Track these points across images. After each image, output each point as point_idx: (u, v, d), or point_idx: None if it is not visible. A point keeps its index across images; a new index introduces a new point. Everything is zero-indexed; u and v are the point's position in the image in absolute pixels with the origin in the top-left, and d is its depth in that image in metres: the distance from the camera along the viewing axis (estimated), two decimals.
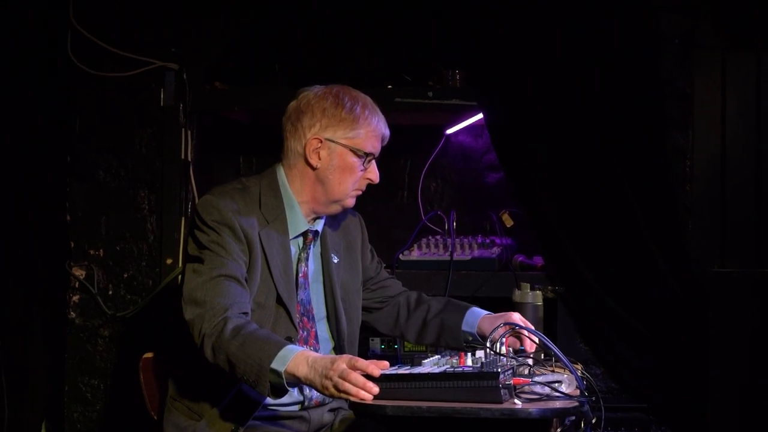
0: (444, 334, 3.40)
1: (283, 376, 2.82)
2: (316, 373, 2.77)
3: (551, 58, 4.00)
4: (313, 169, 3.19)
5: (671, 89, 4.09)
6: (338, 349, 3.29)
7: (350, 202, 3.25)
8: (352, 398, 2.68)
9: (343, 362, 2.73)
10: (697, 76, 4.12)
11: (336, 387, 2.72)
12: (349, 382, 2.69)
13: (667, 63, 4.07)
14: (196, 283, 3.03)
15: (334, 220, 3.36)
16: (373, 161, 3.22)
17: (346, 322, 3.31)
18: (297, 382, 2.84)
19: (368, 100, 3.24)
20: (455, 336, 3.37)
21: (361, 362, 2.72)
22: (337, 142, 3.16)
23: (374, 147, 3.20)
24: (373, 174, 3.23)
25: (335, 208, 3.24)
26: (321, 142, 3.16)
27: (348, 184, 3.20)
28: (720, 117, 4.12)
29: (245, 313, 3.01)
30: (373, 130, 3.19)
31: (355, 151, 3.17)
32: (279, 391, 2.87)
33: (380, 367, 2.71)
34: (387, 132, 3.26)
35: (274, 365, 2.82)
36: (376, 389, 2.67)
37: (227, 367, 2.91)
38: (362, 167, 3.20)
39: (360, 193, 3.26)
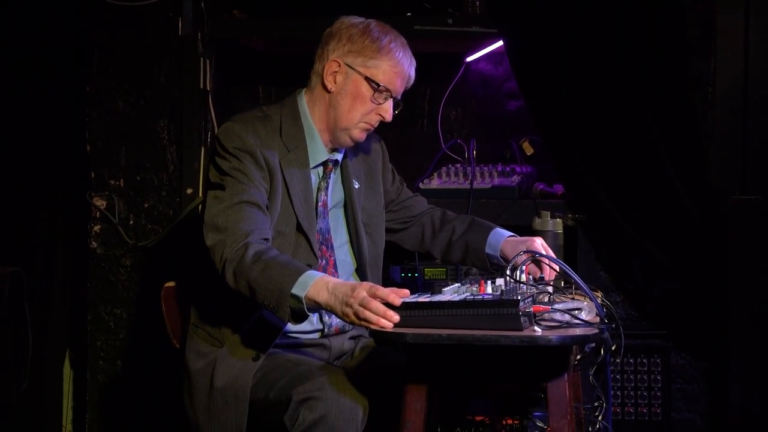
0: (469, 255, 3.41)
1: (304, 301, 2.83)
2: (336, 300, 2.79)
3: None
4: (328, 92, 3.18)
5: (693, 15, 4.05)
6: (360, 272, 3.31)
7: (358, 134, 3.22)
8: (372, 326, 2.70)
9: (363, 290, 2.74)
10: (720, 3, 4.07)
11: (356, 315, 2.74)
12: (370, 310, 2.70)
13: None
14: (218, 209, 3.03)
15: (355, 146, 3.34)
16: (390, 100, 3.20)
17: (368, 245, 3.31)
18: (317, 307, 2.85)
19: (400, 38, 3.21)
20: (480, 258, 3.39)
21: (382, 290, 2.73)
22: (354, 69, 3.15)
23: (392, 84, 3.17)
24: (386, 112, 3.20)
25: (344, 139, 3.22)
26: (339, 65, 3.15)
27: (357, 113, 3.18)
28: (743, 44, 4.07)
29: (266, 239, 3.02)
30: (393, 65, 3.16)
31: (369, 81, 3.15)
32: (299, 317, 2.89)
33: (401, 296, 2.72)
34: (412, 73, 3.22)
35: (294, 290, 2.84)
36: (396, 317, 2.68)
37: (248, 292, 2.93)
38: (375, 100, 3.17)
39: (370, 128, 3.23)
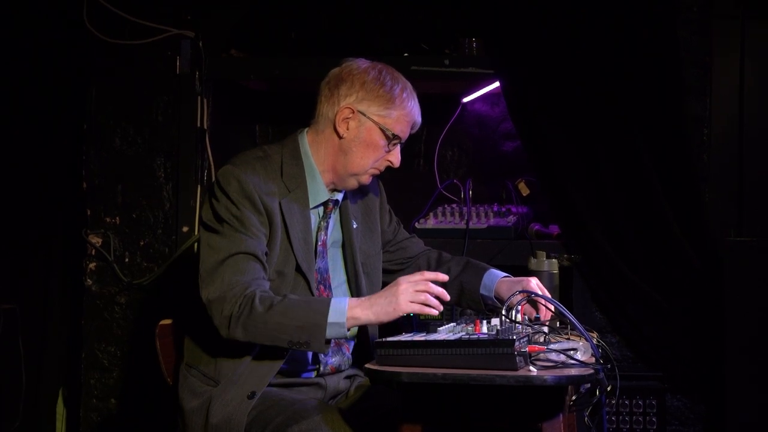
0: (464, 297, 3.42)
1: (346, 325, 2.97)
2: (378, 305, 2.99)
3: (569, 27, 3.98)
4: (339, 137, 3.19)
5: (690, 57, 4.07)
6: None
7: (366, 179, 3.24)
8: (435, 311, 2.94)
9: (406, 281, 3.00)
10: (716, 45, 4.10)
11: (416, 300, 2.96)
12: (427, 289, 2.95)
13: (686, 31, 4.05)
14: (214, 261, 3.05)
15: None
16: (398, 146, 3.22)
17: (366, 285, 3.32)
18: (357, 325, 3.05)
19: (408, 85, 3.24)
20: (474, 299, 3.39)
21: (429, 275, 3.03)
22: (368, 117, 3.16)
23: (403, 131, 3.20)
24: (395, 158, 3.24)
25: (351, 183, 3.24)
26: (353, 112, 3.16)
27: (369, 161, 3.20)
28: (738, 86, 4.10)
29: (264, 291, 3.04)
30: (406, 114, 3.19)
31: (383, 130, 3.17)
32: (329, 344, 3.06)
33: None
34: (419, 120, 3.25)
35: (332, 319, 2.96)
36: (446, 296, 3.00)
37: (266, 338, 2.98)
38: (386, 148, 3.20)
39: (378, 173, 3.26)
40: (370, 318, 2.98)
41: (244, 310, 2.96)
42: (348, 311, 2.97)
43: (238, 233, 3.06)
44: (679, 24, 4.02)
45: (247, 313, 2.96)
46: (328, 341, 2.99)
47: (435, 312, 2.96)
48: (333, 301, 2.99)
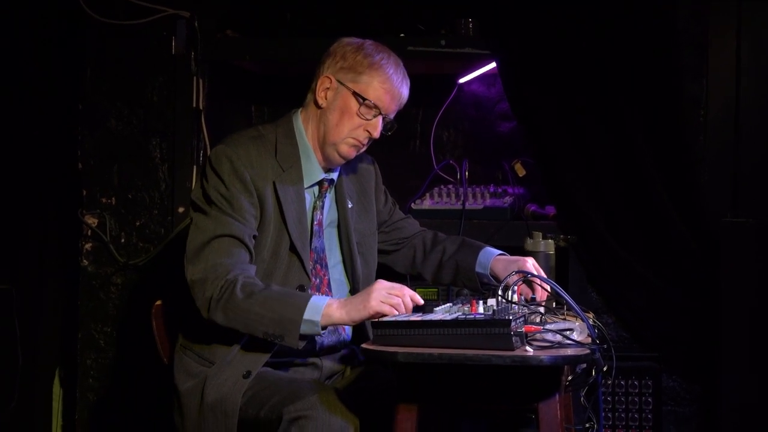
0: (459, 275, 3.42)
1: (319, 325, 2.94)
2: (353, 306, 2.95)
3: (564, 8, 3.97)
4: (318, 107, 3.20)
5: (686, 38, 4.06)
6: (354, 292, 3.31)
7: (346, 150, 3.21)
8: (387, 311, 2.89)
9: (381, 285, 2.96)
10: (713, 26, 4.09)
11: (387, 302, 2.91)
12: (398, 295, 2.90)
13: (683, 12, 4.03)
14: (199, 241, 3.06)
15: (348, 166, 3.36)
16: (379, 117, 3.20)
17: (362, 265, 3.32)
18: (331, 323, 3.00)
19: (394, 57, 3.23)
20: (470, 277, 3.39)
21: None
22: (344, 84, 3.16)
23: (381, 100, 3.17)
24: (374, 128, 3.20)
25: (332, 155, 3.21)
26: (331, 81, 3.17)
27: (344, 128, 3.18)
28: (735, 67, 4.08)
29: (247, 276, 3.04)
30: (382, 81, 3.16)
31: (357, 96, 3.15)
32: (306, 339, 3.00)
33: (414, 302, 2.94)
34: (404, 92, 3.22)
35: (308, 317, 2.94)
36: (420, 300, 2.96)
37: (244, 327, 2.99)
38: (362, 115, 3.17)
39: (358, 144, 3.22)
40: (343, 317, 2.96)
41: (224, 293, 2.97)
42: (323, 309, 2.95)
43: (226, 216, 3.06)
44: (676, 4, 4.00)
45: (227, 298, 2.97)
46: (303, 337, 2.97)
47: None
48: (312, 299, 2.98)
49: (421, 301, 2.94)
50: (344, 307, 2.95)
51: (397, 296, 2.92)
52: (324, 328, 2.98)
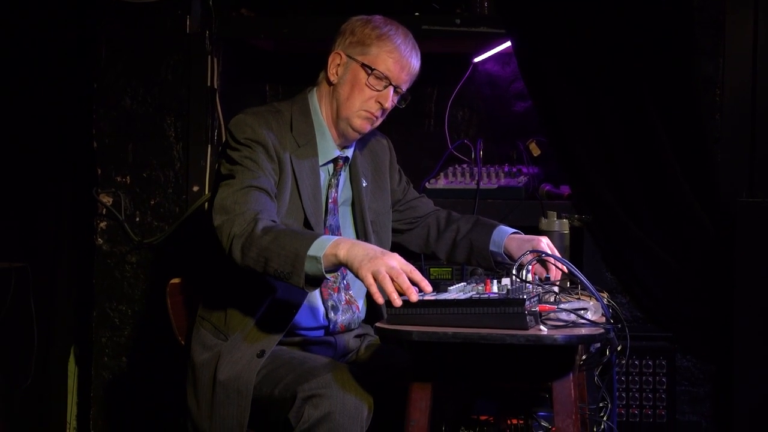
0: (473, 254, 3.41)
1: (322, 261, 2.80)
2: (360, 251, 2.76)
3: None
4: (330, 84, 3.20)
5: (702, 17, 4.04)
6: None
7: (359, 123, 3.20)
8: (379, 298, 2.71)
9: (395, 260, 2.73)
10: (729, 4, 4.06)
11: (376, 275, 2.70)
12: (396, 281, 2.69)
13: None
14: (227, 192, 3.02)
15: (363, 145, 3.37)
16: (390, 88, 3.19)
17: (376, 243, 3.31)
18: (336, 265, 2.81)
19: (403, 29, 3.22)
20: (484, 256, 3.39)
21: (417, 274, 2.72)
22: (353, 58, 3.17)
23: (390, 70, 3.16)
24: (385, 99, 3.18)
25: (346, 129, 3.21)
26: (341, 57, 3.18)
27: (355, 101, 3.17)
28: (751, 46, 4.06)
29: (274, 221, 3.00)
30: (390, 51, 3.16)
31: (365, 67, 3.15)
32: (314, 283, 2.88)
33: (426, 291, 2.73)
34: (414, 63, 3.21)
35: (311, 252, 2.81)
36: (414, 297, 2.67)
37: (258, 264, 2.89)
38: (372, 86, 3.17)
39: (371, 117, 3.20)
40: (347, 257, 2.77)
41: (246, 230, 2.92)
42: (328, 248, 2.80)
43: (251, 171, 3.05)
44: None
45: (247, 234, 2.91)
46: (309, 280, 2.85)
47: (380, 300, 2.73)
48: (322, 237, 2.85)
49: (429, 288, 2.76)
50: (351, 249, 2.78)
51: (398, 277, 2.70)
52: (329, 271, 2.85)
